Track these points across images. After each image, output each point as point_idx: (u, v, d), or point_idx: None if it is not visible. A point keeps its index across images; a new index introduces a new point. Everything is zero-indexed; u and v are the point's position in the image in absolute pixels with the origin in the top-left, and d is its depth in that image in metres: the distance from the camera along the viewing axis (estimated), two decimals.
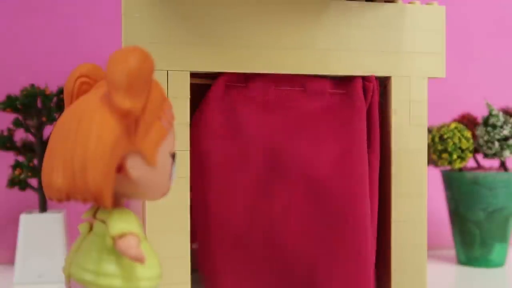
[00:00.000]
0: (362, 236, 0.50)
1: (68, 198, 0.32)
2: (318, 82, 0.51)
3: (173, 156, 0.35)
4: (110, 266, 0.32)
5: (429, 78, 0.53)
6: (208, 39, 0.48)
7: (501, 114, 0.72)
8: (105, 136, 0.31)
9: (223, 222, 0.49)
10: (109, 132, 0.31)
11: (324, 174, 0.50)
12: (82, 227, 0.35)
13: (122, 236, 0.32)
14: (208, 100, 0.49)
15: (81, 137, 0.31)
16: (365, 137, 0.51)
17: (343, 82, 0.52)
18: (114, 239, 0.32)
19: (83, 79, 0.36)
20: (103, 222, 0.33)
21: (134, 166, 0.32)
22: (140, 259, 0.31)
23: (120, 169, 0.32)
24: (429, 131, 0.75)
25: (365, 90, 0.51)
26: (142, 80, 0.31)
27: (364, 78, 0.52)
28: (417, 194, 0.53)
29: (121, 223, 0.32)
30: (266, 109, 0.50)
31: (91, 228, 0.35)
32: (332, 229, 0.50)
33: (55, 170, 0.32)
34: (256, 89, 0.50)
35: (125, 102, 0.31)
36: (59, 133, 0.33)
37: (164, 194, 0.36)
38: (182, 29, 0.48)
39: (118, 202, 0.34)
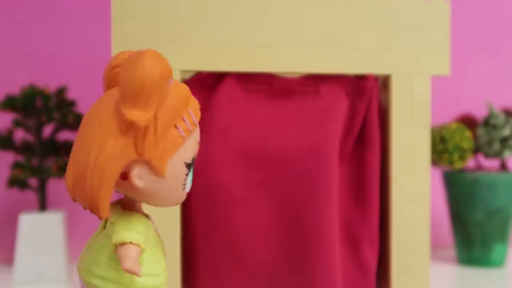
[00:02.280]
0: (325, 243, 0.48)
1: (74, 199, 0.32)
2: (285, 80, 0.51)
3: (188, 166, 0.33)
4: (114, 272, 0.32)
5: (433, 75, 0.52)
6: (202, 38, 0.48)
7: (501, 114, 0.72)
8: (107, 147, 0.30)
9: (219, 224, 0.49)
10: (112, 143, 0.30)
11: (289, 168, 0.49)
12: (101, 223, 0.35)
13: (122, 244, 0.31)
14: None
15: (88, 143, 0.30)
16: (336, 137, 0.50)
17: (313, 79, 0.51)
18: (116, 246, 0.31)
19: (119, 69, 0.34)
20: (112, 223, 0.33)
21: (140, 176, 0.31)
22: (133, 273, 0.30)
23: (126, 177, 0.32)
24: None
25: (364, 89, 0.51)
26: (152, 89, 0.30)
27: (363, 77, 0.51)
28: (419, 197, 0.52)
29: (125, 231, 0.31)
30: (237, 109, 0.50)
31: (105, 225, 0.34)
32: (293, 235, 0.49)
33: (68, 169, 0.31)
34: (224, 90, 0.49)
35: (131, 113, 0.30)
36: (80, 129, 0.32)
37: (177, 202, 0.34)
38: (177, 28, 0.48)
39: (132, 205, 0.33)
